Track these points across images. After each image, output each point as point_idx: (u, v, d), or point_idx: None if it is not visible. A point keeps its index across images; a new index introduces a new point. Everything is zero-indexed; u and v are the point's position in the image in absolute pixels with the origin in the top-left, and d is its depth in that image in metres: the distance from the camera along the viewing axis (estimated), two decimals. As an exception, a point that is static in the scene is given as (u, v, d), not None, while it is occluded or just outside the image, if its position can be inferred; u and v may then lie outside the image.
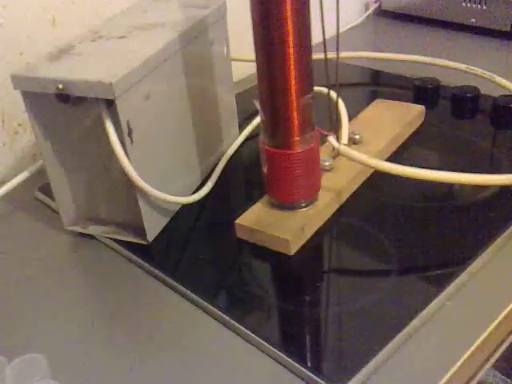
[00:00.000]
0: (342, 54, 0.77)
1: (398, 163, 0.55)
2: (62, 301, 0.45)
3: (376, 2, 1.02)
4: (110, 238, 0.50)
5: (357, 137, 0.57)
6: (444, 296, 0.41)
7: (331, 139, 0.48)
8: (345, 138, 0.56)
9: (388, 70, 0.77)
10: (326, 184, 0.51)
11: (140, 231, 0.48)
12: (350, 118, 0.62)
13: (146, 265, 0.47)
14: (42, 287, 0.47)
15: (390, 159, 0.57)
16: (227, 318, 0.41)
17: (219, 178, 0.57)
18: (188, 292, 0.43)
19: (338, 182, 0.52)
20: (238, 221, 0.48)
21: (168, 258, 0.48)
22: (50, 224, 0.53)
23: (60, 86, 0.42)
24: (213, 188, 0.55)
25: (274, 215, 0.48)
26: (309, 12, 0.42)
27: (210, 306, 0.42)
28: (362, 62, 0.80)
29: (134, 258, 0.48)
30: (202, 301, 0.42)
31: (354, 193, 0.53)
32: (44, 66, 0.44)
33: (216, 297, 0.43)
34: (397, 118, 0.61)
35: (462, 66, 0.70)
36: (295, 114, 0.44)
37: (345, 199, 0.52)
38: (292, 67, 0.42)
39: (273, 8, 0.40)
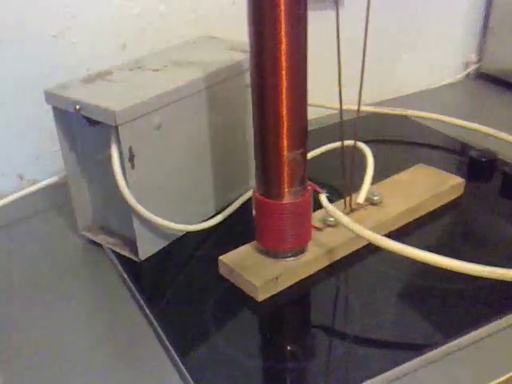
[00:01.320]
0: (408, 112, 0.76)
1: (410, 235, 0.54)
2: (44, 301, 0.50)
3: (477, 62, 0.98)
4: (112, 250, 0.54)
5: (375, 198, 0.56)
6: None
7: (322, 198, 0.48)
8: (362, 197, 0.56)
9: (457, 135, 0.74)
10: (322, 239, 0.51)
11: (136, 248, 0.52)
12: (383, 178, 0.61)
13: (130, 284, 0.50)
14: (37, 282, 0.52)
15: (403, 228, 0.55)
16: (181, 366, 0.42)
17: (234, 213, 0.59)
18: (155, 324, 0.46)
19: (334, 240, 0.51)
20: (221, 257, 0.50)
21: (151, 282, 0.51)
22: (70, 226, 0.59)
23: (77, 107, 0.47)
24: (225, 221, 0.57)
25: (256, 259, 0.49)
26: (305, 73, 0.43)
27: (168, 345, 0.43)
28: (434, 123, 0.77)
29: (124, 273, 0.52)
30: (164, 338, 0.44)
31: (353, 253, 0.52)
32: (74, 87, 0.50)
33: (176, 338, 0.44)
34: (428, 187, 0.59)
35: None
36: (282, 166, 0.45)
37: (338, 258, 0.51)
38: (282, 125, 0.43)
39: (267, 66, 0.42)
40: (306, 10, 0.41)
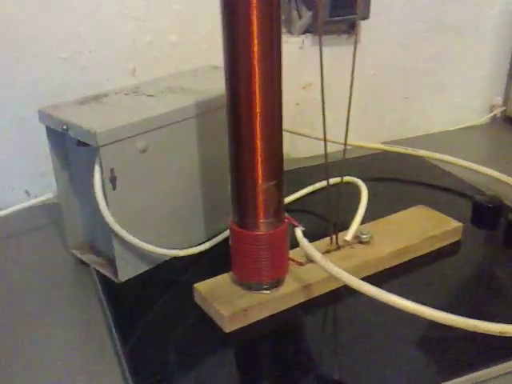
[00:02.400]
0: (419, 152, 0.75)
1: (396, 278, 0.52)
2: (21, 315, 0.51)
3: (502, 106, 0.95)
4: (96, 269, 0.54)
5: (363, 236, 0.55)
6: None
7: (297, 232, 0.47)
8: (350, 235, 0.54)
9: (469, 178, 0.72)
10: (302, 274, 0.50)
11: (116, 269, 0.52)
12: (380, 217, 0.59)
13: (105, 306, 0.50)
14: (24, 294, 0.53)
15: (391, 270, 0.54)
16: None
17: (224, 241, 0.58)
18: (119, 351, 0.45)
19: (313, 276, 0.50)
20: (196, 285, 0.50)
21: (127, 305, 0.51)
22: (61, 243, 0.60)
23: (64, 127, 0.48)
24: (213, 249, 0.57)
25: (230, 290, 0.49)
26: (280, 103, 0.43)
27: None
28: (447, 164, 0.75)
29: (102, 293, 0.52)
30: (125, 368, 0.44)
31: (333, 292, 0.51)
32: (66, 108, 0.51)
33: (139, 368, 0.43)
34: (423, 229, 0.57)
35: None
36: (256, 197, 0.45)
37: (315, 295, 0.50)
38: (256, 155, 0.43)
39: (241, 94, 0.42)
40: (279, 37, 0.41)
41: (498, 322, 0.39)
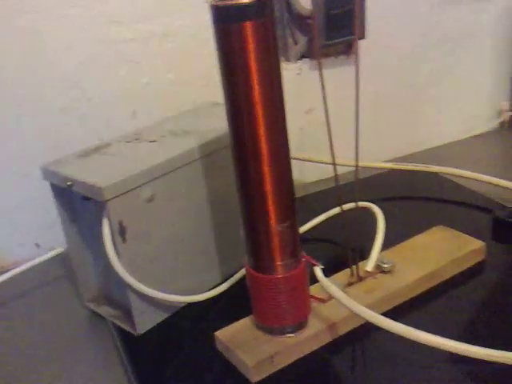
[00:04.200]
0: (432, 168, 0.73)
1: (423, 307, 0.50)
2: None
3: (509, 111, 0.93)
4: (113, 322, 0.53)
5: (385, 265, 0.53)
6: None
7: (317, 271, 0.46)
8: (370, 265, 0.53)
9: (486, 191, 0.70)
10: (325, 312, 0.48)
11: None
12: (398, 240, 0.58)
13: (125, 361, 0.49)
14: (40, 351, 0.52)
15: (417, 299, 0.52)
16: None
17: (240, 281, 0.56)
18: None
19: (337, 313, 0.48)
20: (217, 333, 0.48)
21: (147, 358, 0.49)
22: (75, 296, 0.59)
23: (68, 183, 0.47)
24: (230, 290, 0.55)
25: (253, 335, 0.47)
26: (287, 143, 0.42)
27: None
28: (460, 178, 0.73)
29: (121, 347, 0.50)
30: None
31: (359, 328, 0.49)
32: (68, 162, 0.50)
33: None
34: (445, 252, 0.55)
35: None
36: (270, 240, 0.43)
37: (342, 333, 0.48)
38: (267, 199, 0.42)
39: (249, 145, 0.41)
40: (278, 68, 0.40)
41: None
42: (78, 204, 0.52)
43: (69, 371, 0.50)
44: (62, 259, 0.62)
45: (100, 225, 0.47)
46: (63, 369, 0.50)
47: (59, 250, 0.60)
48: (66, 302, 0.59)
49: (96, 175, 0.47)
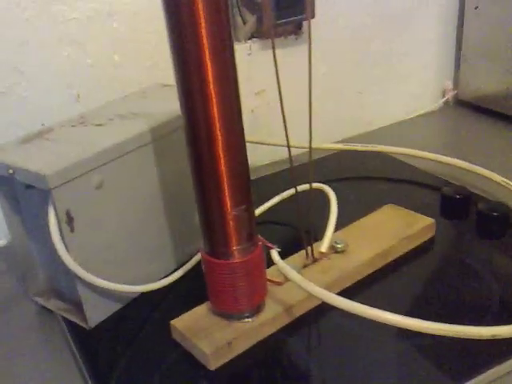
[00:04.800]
0: (378, 147, 0.74)
1: (377, 284, 0.51)
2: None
3: (453, 90, 0.96)
4: (63, 316, 0.51)
5: (339, 246, 0.53)
6: None
7: (274, 254, 0.45)
8: (325, 246, 0.53)
9: (432, 169, 0.71)
10: (282, 295, 0.48)
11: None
12: (350, 221, 0.58)
13: (77, 355, 0.47)
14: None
15: (371, 277, 0.52)
16: None
17: (196, 267, 0.55)
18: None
19: (294, 295, 0.48)
20: (173, 322, 0.47)
21: (100, 352, 0.47)
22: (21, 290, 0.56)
23: (10, 171, 0.45)
24: (187, 276, 0.54)
25: (210, 322, 0.46)
26: (241, 123, 0.41)
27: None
28: (408, 157, 0.74)
29: (72, 342, 0.48)
30: None
31: (316, 308, 0.49)
32: (10, 148, 0.47)
33: None
34: (396, 231, 0.56)
35: (497, 178, 0.62)
36: (226, 224, 0.42)
37: (299, 314, 0.48)
38: (222, 183, 0.41)
39: (202, 127, 0.39)
40: (231, 44, 0.39)
41: (488, 323, 0.38)
42: (21, 193, 0.49)
43: (18, 369, 0.47)
44: (5, 252, 0.59)
45: (46, 214, 0.45)
46: (11, 366, 0.48)
47: (2, 242, 0.57)
48: (11, 297, 0.56)
49: (39, 162, 0.44)
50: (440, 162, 0.70)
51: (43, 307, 0.53)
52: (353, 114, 0.89)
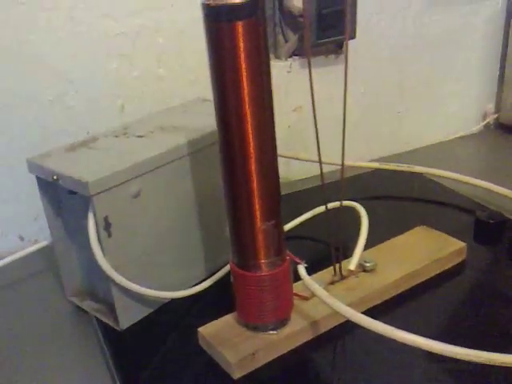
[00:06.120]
0: (415, 168, 0.74)
1: (404, 306, 0.51)
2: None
3: (495, 113, 0.95)
4: (96, 317, 0.53)
5: (368, 264, 0.54)
6: None
7: (301, 269, 0.46)
8: (353, 264, 0.53)
9: (468, 193, 0.71)
10: (308, 310, 0.49)
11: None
12: (381, 240, 0.58)
13: (108, 355, 0.49)
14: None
15: (398, 298, 0.52)
16: None
17: (225, 277, 0.57)
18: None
19: (320, 310, 0.49)
20: (200, 329, 0.48)
21: (130, 354, 0.49)
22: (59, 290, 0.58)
23: (54, 177, 0.47)
24: (214, 286, 0.55)
25: (235, 332, 0.47)
26: (275, 148, 0.42)
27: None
28: (444, 179, 0.74)
29: (104, 343, 0.50)
30: None
31: (342, 325, 0.49)
32: (55, 156, 0.50)
33: None
34: (427, 253, 0.56)
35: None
36: (255, 238, 0.43)
37: (324, 330, 0.49)
38: (253, 198, 0.42)
39: (236, 143, 0.41)
40: (268, 64, 0.40)
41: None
42: (64, 198, 0.52)
43: (51, 365, 0.50)
44: (46, 252, 0.62)
45: (85, 219, 0.47)
46: (45, 363, 0.50)
47: (43, 243, 0.60)
48: (49, 295, 0.58)
49: (82, 170, 0.47)
50: (476, 186, 0.70)
51: (78, 307, 0.55)
52: (391, 133, 0.89)
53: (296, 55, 0.77)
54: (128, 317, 0.51)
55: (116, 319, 0.51)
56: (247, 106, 0.40)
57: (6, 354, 0.51)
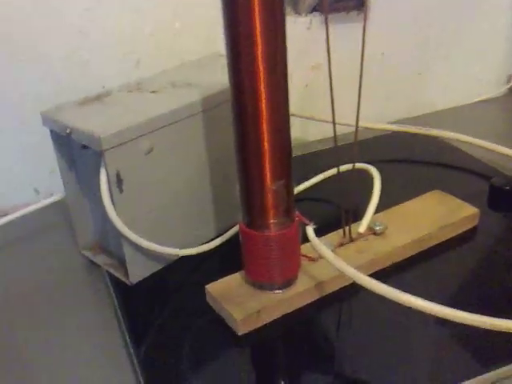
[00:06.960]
0: (432, 131, 0.72)
1: (411, 270, 0.51)
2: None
3: (519, 76, 0.92)
4: (108, 271, 0.54)
5: (377, 228, 0.54)
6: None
7: (309, 230, 0.46)
8: (363, 227, 0.53)
9: (487, 158, 0.70)
10: (314, 271, 0.49)
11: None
12: (394, 204, 0.58)
13: (117, 308, 0.50)
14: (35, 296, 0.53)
15: (406, 261, 0.52)
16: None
17: (235, 237, 0.57)
18: (132, 354, 0.45)
19: (326, 272, 0.49)
20: (207, 286, 0.49)
21: (138, 308, 0.50)
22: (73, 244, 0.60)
23: (68, 131, 0.47)
24: (224, 245, 0.56)
25: (242, 290, 0.48)
26: (287, 107, 0.41)
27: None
28: (462, 143, 0.72)
29: (114, 296, 0.52)
30: (138, 371, 0.43)
31: (347, 288, 0.50)
32: (69, 110, 0.50)
33: (151, 372, 0.43)
34: (438, 217, 0.56)
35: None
36: (265, 197, 0.43)
37: (329, 291, 0.49)
38: (264, 157, 0.42)
39: (248, 101, 0.40)
40: (283, 18, 0.39)
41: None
42: (77, 152, 0.52)
43: (63, 315, 0.51)
44: (60, 206, 0.63)
45: (97, 174, 0.47)
46: (57, 313, 0.51)
47: (58, 196, 0.61)
48: (63, 248, 0.60)
49: (95, 124, 0.47)
50: (494, 151, 0.68)
51: (91, 261, 0.56)
52: (410, 95, 0.87)
53: (317, 11, 0.75)
54: (138, 272, 0.52)
55: (126, 274, 0.52)
56: (260, 63, 0.39)
57: (21, 301, 0.53)
